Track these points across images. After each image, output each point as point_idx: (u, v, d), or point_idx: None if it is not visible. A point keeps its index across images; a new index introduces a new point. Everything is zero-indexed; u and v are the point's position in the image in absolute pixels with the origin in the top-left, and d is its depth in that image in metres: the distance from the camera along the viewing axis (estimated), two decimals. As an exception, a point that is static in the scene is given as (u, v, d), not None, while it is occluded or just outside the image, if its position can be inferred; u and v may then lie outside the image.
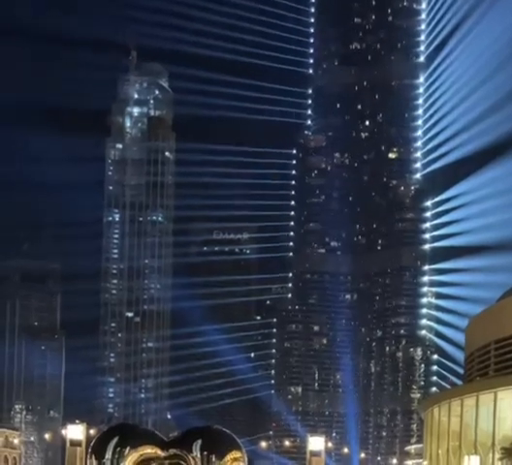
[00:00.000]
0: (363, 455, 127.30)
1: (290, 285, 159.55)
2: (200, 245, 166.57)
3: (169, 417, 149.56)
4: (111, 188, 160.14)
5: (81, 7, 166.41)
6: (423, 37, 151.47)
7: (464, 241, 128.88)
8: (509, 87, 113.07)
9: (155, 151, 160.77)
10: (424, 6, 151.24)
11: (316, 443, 52.06)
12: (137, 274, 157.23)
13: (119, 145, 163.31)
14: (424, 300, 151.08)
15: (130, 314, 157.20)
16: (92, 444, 30.14)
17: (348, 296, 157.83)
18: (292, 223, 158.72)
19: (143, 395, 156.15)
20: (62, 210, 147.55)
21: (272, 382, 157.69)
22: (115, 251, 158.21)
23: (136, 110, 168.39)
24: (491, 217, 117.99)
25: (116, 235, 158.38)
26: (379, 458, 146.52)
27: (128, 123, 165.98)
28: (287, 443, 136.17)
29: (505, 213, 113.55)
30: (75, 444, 54.27)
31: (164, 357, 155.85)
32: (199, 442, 29.47)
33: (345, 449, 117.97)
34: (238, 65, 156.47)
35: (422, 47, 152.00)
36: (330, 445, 64.03)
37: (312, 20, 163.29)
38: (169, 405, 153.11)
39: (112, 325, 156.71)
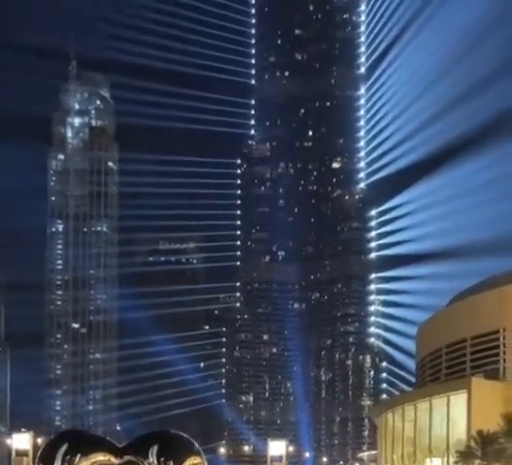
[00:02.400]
0: (325, 459, 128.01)
1: (238, 294, 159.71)
2: (146, 255, 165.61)
3: (118, 428, 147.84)
4: (53, 198, 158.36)
5: (21, 14, 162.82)
6: (363, 49, 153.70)
7: (409, 249, 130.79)
8: (448, 97, 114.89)
9: (98, 161, 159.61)
10: (363, 18, 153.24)
11: (277, 447, 50.03)
12: (82, 285, 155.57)
13: (61, 156, 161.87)
14: (372, 308, 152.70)
15: (76, 325, 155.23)
16: (39, 452, 28.10)
17: (297, 305, 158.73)
18: (238, 232, 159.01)
19: (91, 407, 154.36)
20: (4, 220, 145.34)
21: (223, 391, 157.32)
22: (60, 262, 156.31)
23: (77, 121, 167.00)
24: (434, 225, 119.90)
25: (60, 246, 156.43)
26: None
27: (69, 133, 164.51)
28: (242, 449, 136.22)
29: (447, 221, 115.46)
30: (21, 454, 52.32)
31: (111, 368, 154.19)
32: (155, 447, 27.42)
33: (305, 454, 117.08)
34: (180, 75, 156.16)
35: (362, 59, 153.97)
36: (291, 449, 61.88)
37: (254, 32, 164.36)
38: (118, 416, 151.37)
39: (58, 336, 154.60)
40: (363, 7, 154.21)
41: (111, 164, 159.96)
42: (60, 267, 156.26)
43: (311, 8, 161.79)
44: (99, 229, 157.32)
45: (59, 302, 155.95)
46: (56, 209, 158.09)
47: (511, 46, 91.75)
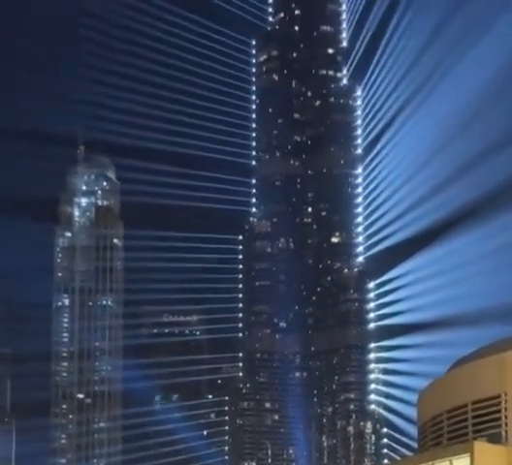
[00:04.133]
0: None
1: (240, 364, 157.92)
2: (150, 327, 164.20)
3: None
4: (60, 274, 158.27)
5: (29, 102, 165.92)
6: (359, 131, 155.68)
7: (408, 319, 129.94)
8: (444, 172, 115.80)
9: (103, 238, 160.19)
10: (359, 102, 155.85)
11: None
12: (87, 356, 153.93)
13: (68, 234, 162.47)
14: (372, 376, 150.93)
15: (81, 395, 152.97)
16: None
17: (298, 374, 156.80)
18: (240, 305, 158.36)
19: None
20: (13, 295, 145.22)
21: (226, 458, 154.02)
22: (65, 334, 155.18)
23: (84, 201, 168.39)
24: (431, 295, 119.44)
25: (66, 319, 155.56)
26: None
27: (77, 213, 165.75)
28: None
29: (444, 292, 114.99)
30: None
31: (116, 437, 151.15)
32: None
33: None
34: (184, 157, 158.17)
35: (359, 140, 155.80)
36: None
37: (254, 116, 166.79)
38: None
39: (63, 406, 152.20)
40: (359, 92, 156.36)
41: (116, 240, 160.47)
42: (66, 340, 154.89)
43: (309, 94, 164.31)
44: (104, 302, 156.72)
45: (65, 373, 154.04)
46: (63, 284, 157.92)
47: (496, 127, 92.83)
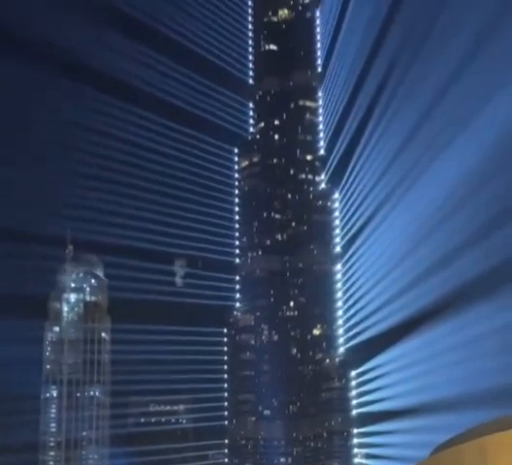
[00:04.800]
0: None
1: (226, 451, 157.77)
2: (137, 417, 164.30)
3: None
4: (48, 367, 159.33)
5: (20, 205, 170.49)
6: (338, 230, 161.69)
7: (389, 406, 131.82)
8: (419, 268, 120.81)
9: (91, 332, 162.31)
10: (337, 204, 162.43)
11: None
12: (74, 446, 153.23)
13: (57, 328, 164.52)
14: (355, 461, 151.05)
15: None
16: None
17: (283, 460, 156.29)
18: (226, 394, 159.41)
19: None
20: (1, 388, 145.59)
21: None
22: (53, 425, 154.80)
23: (73, 297, 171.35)
24: (410, 383, 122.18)
25: (54, 410, 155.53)
26: None
27: (65, 308, 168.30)
28: None
29: (422, 380, 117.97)
30: None
31: None
32: None
33: None
34: (170, 256, 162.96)
35: (337, 239, 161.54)
36: None
37: (237, 217, 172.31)
38: None
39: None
40: (336, 195, 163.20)
41: (103, 334, 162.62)
42: (54, 430, 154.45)
43: (289, 196, 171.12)
44: (92, 393, 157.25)
45: (52, 463, 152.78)
46: (51, 376, 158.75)
47: (473, 221, 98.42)
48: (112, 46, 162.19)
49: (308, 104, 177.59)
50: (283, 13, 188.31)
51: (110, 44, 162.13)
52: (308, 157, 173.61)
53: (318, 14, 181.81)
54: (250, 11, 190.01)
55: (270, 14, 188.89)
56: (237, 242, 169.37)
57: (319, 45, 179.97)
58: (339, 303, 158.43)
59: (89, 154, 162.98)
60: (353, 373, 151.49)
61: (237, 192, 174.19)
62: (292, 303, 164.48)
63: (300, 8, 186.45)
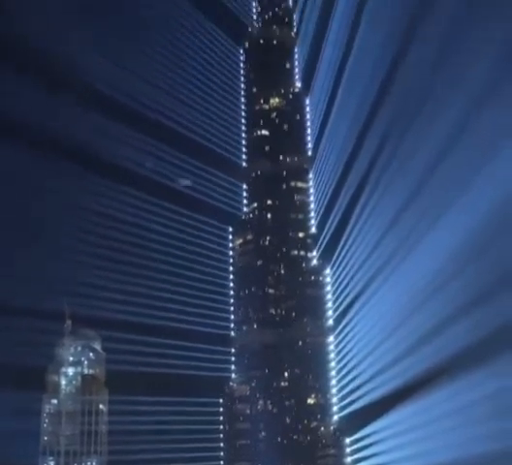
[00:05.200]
0: None
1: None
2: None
3: None
4: (46, 438, 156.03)
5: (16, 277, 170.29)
6: (330, 304, 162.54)
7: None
8: (411, 339, 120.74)
9: (89, 404, 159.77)
10: (329, 279, 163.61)
11: None
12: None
13: (54, 400, 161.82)
14: None
15: None
16: None
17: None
18: (222, 463, 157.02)
19: None
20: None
21: None
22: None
23: (70, 370, 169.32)
24: (403, 450, 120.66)
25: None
26: None
27: (63, 381, 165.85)
28: None
29: (415, 446, 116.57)
30: None
31: None
32: None
33: None
34: (167, 329, 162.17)
35: (330, 312, 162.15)
36: None
37: (232, 292, 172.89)
38: None
39: None
40: (328, 270, 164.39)
41: (101, 406, 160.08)
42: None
43: (282, 272, 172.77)
44: (89, 464, 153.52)
45: None
46: (48, 447, 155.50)
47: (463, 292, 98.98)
48: (112, 135, 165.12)
49: (299, 185, 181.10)
50: (274, 101, 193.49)
51: (110, 132, 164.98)
52: (300, 235, 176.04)
53: (308, 101, 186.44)
54: (243, 99, 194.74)
55: (261, 102, 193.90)
56: (232, 316, 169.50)
57: (309, 130, 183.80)
58: (333, 373, 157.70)
59: (88, 233, 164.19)
60: (348, 440, 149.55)
61: (231, 268, 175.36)
62: (286, 374, 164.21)
63: (290, 96, 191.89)
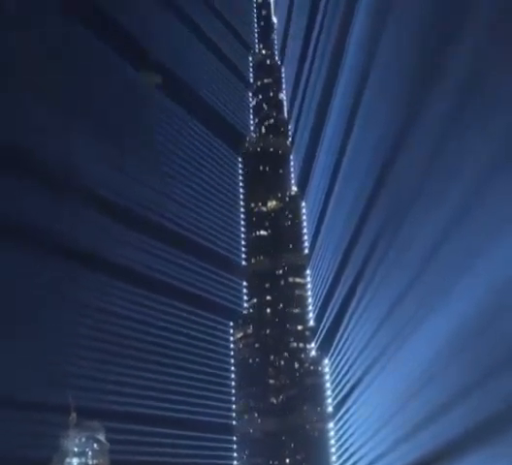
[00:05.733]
0: None
1: None
2: None
3: None
4: None
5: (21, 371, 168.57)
6: (329, 392, 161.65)
7: None
8: (410, 424, 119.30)
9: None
10: (327, 369, 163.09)
11: None
12: None
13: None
14: None
15: None
16: None
17: None
18: None
19: None
20: None
21: None
22: None
23: (75, 461, 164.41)
24: None
25: None
26: None
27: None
28: None
29: None
30: None
31: None
32: None
33: None
34: (170, 420, 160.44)
35: (329, 400, 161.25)
36: None
37: (233, 383, 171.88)
38: None
39: None
40: (326, 360, 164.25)
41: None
42: None
43: (282, 362, 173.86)
44: None
45: None
46: None
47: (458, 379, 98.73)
48: (119, 238, 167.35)
49: (297, 280, 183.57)
50: (272, 204, 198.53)
51: (117, 236, 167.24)
52: (299, 327, 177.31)
53: (304, 204, 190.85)
54: (242, 203, 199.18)
55: (260, 204, 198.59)
56: (233, 406, 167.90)
57: (305, 230, 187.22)
58: (333, 458, 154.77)
59: (93, 328, 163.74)
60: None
61: (233, 361, 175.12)
62: (287, 460, 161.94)
63: (287, 199, 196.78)
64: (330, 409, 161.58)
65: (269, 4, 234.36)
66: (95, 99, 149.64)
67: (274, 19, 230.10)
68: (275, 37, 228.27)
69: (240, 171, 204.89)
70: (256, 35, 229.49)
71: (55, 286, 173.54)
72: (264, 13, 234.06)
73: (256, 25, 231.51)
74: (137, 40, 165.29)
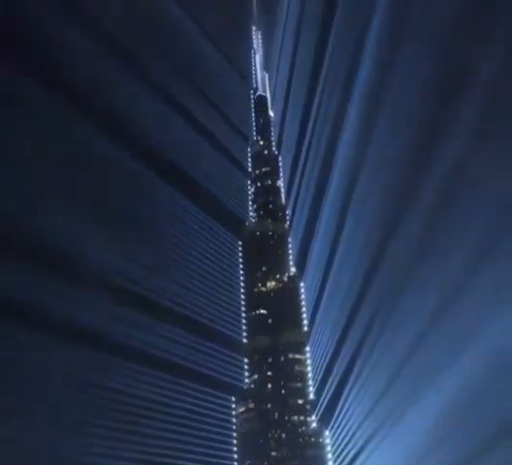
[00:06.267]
0: None
1: None
2: None
3: None
4: None
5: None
6: (331, 462, 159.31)
7: None
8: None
9: None
10: (328, 440, 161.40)
11: None
12: None
13: None
14: None
15: None
16: None
17: None
18: None
19: None
20: None
21: None
22: None
23: None
24: None
25: None
26: None
27: None
28: None
29: None
30: None
31: None
32: None
33: None
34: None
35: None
36: None
37: (235, 456, 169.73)
38: None
39: None
40: (327, 432, 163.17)
41: None
42: None
43: (283, 435, 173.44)
44: None
45: None
46: None
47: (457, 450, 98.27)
48: (124, 319, 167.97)
49: (297, 356, 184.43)
50: (271, 284, 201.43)
51: (120, 316, 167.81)
52: (299, 401, 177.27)
53: (302, 284, 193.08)
54: (242, 284, 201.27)
55: (259, 285, 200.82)
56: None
57: (304, 308, 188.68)
58: None
59: (98, 406, 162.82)
60: None
61: (235, 434, 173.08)
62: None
63: (286, 279, 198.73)
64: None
65: (266, 99, 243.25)
66: (101, 189, 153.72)
67: (271, 113, 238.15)
68: (272, 129, 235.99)
69: (241, 254, 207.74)
70: (254, 127, 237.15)
71: (64, 367, 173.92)
72: (261, 107, 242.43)
73: (254, 118, 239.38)
74: (141, 135, 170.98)
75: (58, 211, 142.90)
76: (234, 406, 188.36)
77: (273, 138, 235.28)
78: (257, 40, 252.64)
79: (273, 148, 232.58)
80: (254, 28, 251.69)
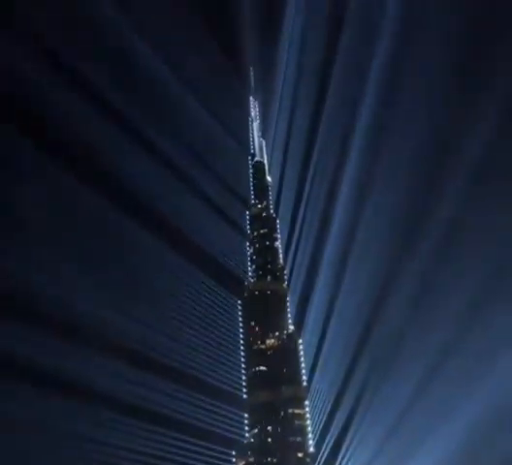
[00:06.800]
0: None
1: None
2: None
3: None
4: None
5: None
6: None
7: None
8: None
9: None
10: None
11: None
12: None
13: None
14: None
15: None
16: None
17: None
18: None
19: None
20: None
21: None
22: None
23: None
24: None
25: None
26: None
27: None
28: None
29: None
30: None
31: None
32: None
33: None
34: None
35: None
36: None
37: None
38: None
39: None
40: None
41: None
42: None
43: None
44: None
45: None
46: None
47: None
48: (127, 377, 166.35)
49: (297, 411, 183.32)
50: (270, 341, 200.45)
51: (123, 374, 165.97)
52: (299, 455, 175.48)
53: (301, 341, 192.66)
54: (242, 342, 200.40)
55: (259, 342, 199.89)
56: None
57: (303, 364, 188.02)
58: None
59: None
60: None
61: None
62: None
63: (284, 337, 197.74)
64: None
65: (263, 164, 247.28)
66: (104, 253, 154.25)
67: (269, 177, 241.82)
68: (270, 192, 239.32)
69: (240, 313, 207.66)
70: (252, 191, 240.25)
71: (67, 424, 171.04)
72: (259, 172, 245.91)
73: (252, 183, 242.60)
74: (146, 203, 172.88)
75: (62, 274, 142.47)
76: (234, 460, 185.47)
77: (271, 201, 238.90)
78: (254, 109, 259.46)
79: (271, 211, 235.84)
80: (251, 98, 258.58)
